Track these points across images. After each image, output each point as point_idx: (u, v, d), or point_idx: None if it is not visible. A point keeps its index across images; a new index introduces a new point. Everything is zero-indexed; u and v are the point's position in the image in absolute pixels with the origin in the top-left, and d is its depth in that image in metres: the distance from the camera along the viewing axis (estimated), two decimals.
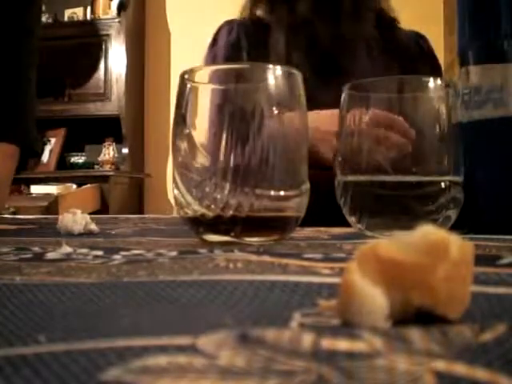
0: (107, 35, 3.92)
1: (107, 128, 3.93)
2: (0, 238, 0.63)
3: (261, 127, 0.51)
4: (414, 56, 1.16)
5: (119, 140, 3.98)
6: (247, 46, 1.12)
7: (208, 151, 0.52)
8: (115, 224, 0.88)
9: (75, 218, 0.67)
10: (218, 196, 0.49)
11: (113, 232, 0.70)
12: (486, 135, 0.65)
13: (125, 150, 3.98)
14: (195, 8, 3.89)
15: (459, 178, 0.57)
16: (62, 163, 4.13)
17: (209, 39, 1.18)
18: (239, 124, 0.50)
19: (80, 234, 0.65)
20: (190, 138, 0.52)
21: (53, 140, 4.07)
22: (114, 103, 3.91)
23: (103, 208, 3.68)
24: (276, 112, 0.51)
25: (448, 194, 0.56)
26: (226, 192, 0.49)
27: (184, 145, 0.52)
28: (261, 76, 0.53)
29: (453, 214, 0.57)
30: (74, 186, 3.80)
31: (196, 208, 0.51)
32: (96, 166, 4.06)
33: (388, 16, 1.20)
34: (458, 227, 0.56)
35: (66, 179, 3.82)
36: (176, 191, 0.52)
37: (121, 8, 3.91)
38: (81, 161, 4.18)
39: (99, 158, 4.03)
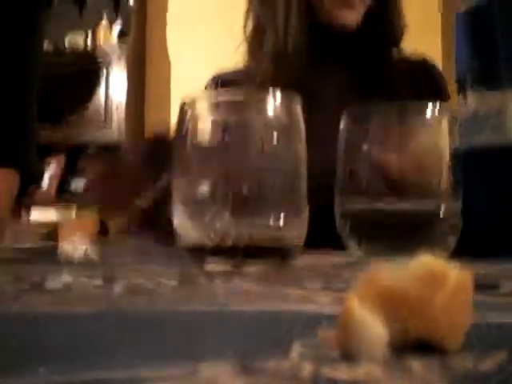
0: (108, 62, 3.94)
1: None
2: None
3: (259, 155, 0.51)
4: (407, 94, 1.13)
5: None
6: None
7: (208, 181, 0.52)
8: (115, 251, 0.88)
9: (75, 246, 0.67)
10: (218, 225, 0.49)
11: (113, 260, 0.70)
12: (483, 161, 0.66)
13: None
14: (196, 37, 3.92)
15: (457, 204, 0.57)
16: (62, 189, 4.12)
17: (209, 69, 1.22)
18: (238, 153, 0.51)
19: (80, 263, 0.65)
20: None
21: (52, 166, 4.08)
22: (114, 130, 3.91)
23: (102, 230, 3.66)
24: (275, 141, 0.52)
25: (447, 220, 0.56)
26: (226, 221, 0.49)
27: (184, 174, 0.52)
28: (259, 104, 0.53)
29: (451, 240, 0.57)
30: (74, 211, 3.79)
31: (196, 237, 0.51)
32: None
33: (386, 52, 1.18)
34: (457, 253, 0.56)
35: (66, 205, 3.81)
36: (176, 221, 0.53)
37: (122, 35, 3.93)
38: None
39: None
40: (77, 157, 3.95)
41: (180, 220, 0.52)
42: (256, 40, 1.16)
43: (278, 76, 1.08)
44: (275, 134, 0.52)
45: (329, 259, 0.67)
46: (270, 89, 0.53)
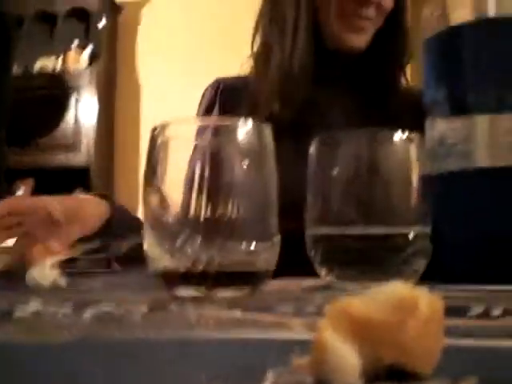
0: (78, 86, 3.93)
1: (76, 179, 3.91)
2: None
3: (231, 181, 0.52)
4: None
5: (88, 191, 3.95)
6: (220, 111, 1.16)
7: (179, 205, 0.52)
8: (84, 278, 0.87)
9: (44, 272, 0.66)
10: (189, 250, 0.49)
11: (82, 287, 0.69)
12: (451, 187, 0.66)
13: None
14: (166, 62, 3.92)
15: (427, 229, 0.58)
16: None
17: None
18: (209, 178, 0.51)
19: (48, 289, 0.64)
20: (160, 192, 0.52)
21: (21, 190, 4.04)
22: (83, 154, 3.89)
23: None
24: (246, 166, 0.52)
25: (416, 245, 0.56)
26: (197, 246, 0.49)
27: (154, 199, 0.52)
28: (230, 131, 0.53)
29: (421, 265, 0.57)
30: None
31: (166, 262, 0.50)
32: None
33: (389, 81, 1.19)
34: (427, 278, 0.57)
35: None
36: (146, 245, 0.52)
37: (92, 59, 3.93)
38: None
39: None
40: (46, 180, 3.92)
41: (150, 244, 0.52)
42: (263, 56, 1.16)
43: (284, 94, 1.09)
44: (246, 160, 0.52)
45: (299, 284, 0.67)
46: (243, 117, 0.53)
